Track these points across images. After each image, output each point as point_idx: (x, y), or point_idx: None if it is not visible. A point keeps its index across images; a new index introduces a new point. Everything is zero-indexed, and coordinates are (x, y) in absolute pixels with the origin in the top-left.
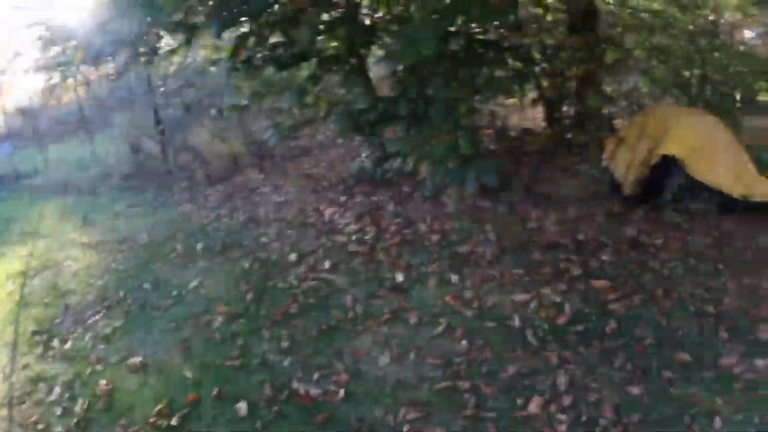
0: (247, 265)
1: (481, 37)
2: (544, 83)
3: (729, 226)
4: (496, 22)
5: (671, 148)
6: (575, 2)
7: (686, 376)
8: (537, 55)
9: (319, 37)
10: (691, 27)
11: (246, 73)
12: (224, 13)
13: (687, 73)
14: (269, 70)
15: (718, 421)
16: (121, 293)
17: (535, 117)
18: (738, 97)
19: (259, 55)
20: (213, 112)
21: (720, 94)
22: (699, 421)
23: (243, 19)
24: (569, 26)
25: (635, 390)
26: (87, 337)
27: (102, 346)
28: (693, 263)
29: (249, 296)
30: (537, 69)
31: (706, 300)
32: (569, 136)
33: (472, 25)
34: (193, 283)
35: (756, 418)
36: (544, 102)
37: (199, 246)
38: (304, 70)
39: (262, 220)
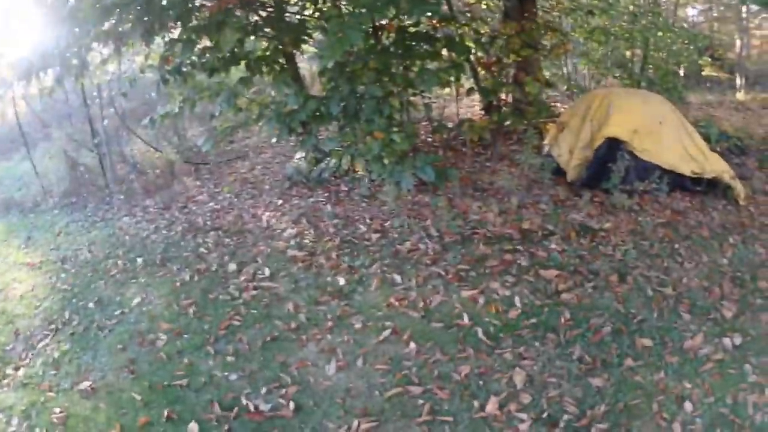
0: (187, 277)
1: (413, 29)
2: (480, 72)
3: (681, 204)
4: (428, 14)
5: (615, 131)
6: None
7: (650, 363)
8: (471, 44)
9: (250, 39)
10: (631, 7)
11: (177, 80)
12: (147, 19)
13: (629, 53)
14: (201, 76)
15: (688, 406)
16: (67, 314)
17: (474, 106)
18: (682, 73)
19: (188, 61)
20: (146, 121)
21: (663, 72)
22: (668, 408)
23: (171, 24)
24: (505, 13)
25: (597, 381)
26: (38, 363)
27: (53, 372)
28: (646, 245)
29: (191, 311)
30: (472, 58)
31: (664, 281)
32: (508, 123)
33: (404, 18)
34: (136, 300)
35: (728, 398)
36: (480, 91)
37: (140, 261)
38: (240, 73)
39: (200, 229)
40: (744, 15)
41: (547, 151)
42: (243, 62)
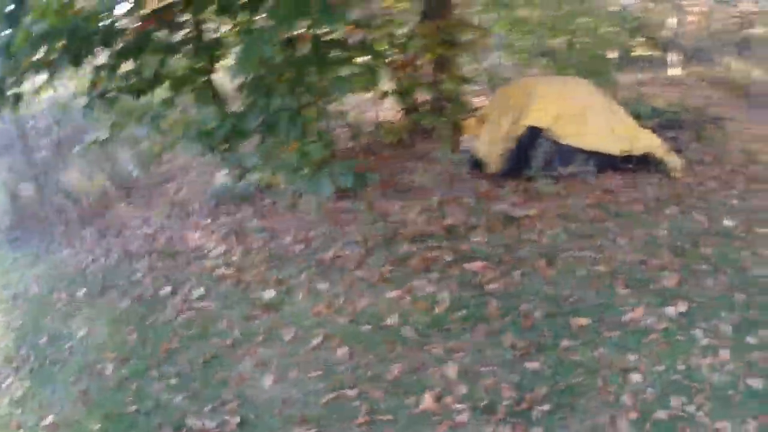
0: (126, 304)
1: (327, 38)
2: (397, 75)
3: (612, 183)
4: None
5: (535, 118)
6: None
7: (588, 340)
8: (385, 47)
9: (171, 59)
10: None
11: (104, 105)
12: (75, 46)
13: (553, 41)
14: (127, 99)
15: (636, 377)
16: (24, 352)
17: (394, 107)
18: (615, 56)
19: (113, 85)
20: (77, 148)
21: (591, 56)
22: (613, 381)
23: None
24: (423, 13)
25: (534, 365)
26: (5, 403)
27: (19, 411)
28: (576, 227)
29: (133, 337)
30: (386, 61)
31: (596, 260)
32: (426, 122)
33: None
34: (82, 332)
35: (680, 364)
36: (396, 93)
37: (81, 292)
38: (165, 94)
39: (135, 255)
40: None
41: (468, 145)
42: (166, 82)
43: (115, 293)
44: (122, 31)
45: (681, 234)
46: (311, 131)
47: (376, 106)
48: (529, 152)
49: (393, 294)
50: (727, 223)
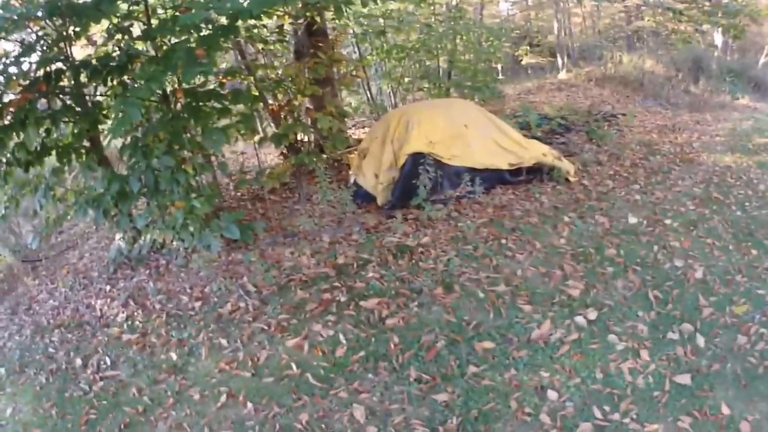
0: (43, 380)
1: (200, 89)
2: (274, 119)
3: (504, 198)
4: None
5: (417, 145)
6: (296, 27)
7: (496, 364)
8: (256, 93)
9: (56, 128)
10: (432, 18)
11: None
12: None
13: (433, 63)
14: (20, 172)
15: (552, 394)
16: None
17: (276, 150)
18: (499, 67)
19: (3, 159)
20: None
21: (472, 73)
22: (529, 402)
23: None
24: (296, 51)
25: (442, 396)
26: None
27: None
28: (470, 249)
29: (54, 412)
30: (261, 106)
31: (495, 280)
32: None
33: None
34: (8, 411)
35: (598, 373)
36: (271, 139)
37: (2, 371)
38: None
39: (46, 329)
40: None
41: (353, 180)
42: (54, 152)
43: (33, 369)
44: (7, 103)
45: (582, 239)
46: (193, 187)
47: (258, 151)
48: (415, 180)
49: (292, 342)
50: (632, 220)
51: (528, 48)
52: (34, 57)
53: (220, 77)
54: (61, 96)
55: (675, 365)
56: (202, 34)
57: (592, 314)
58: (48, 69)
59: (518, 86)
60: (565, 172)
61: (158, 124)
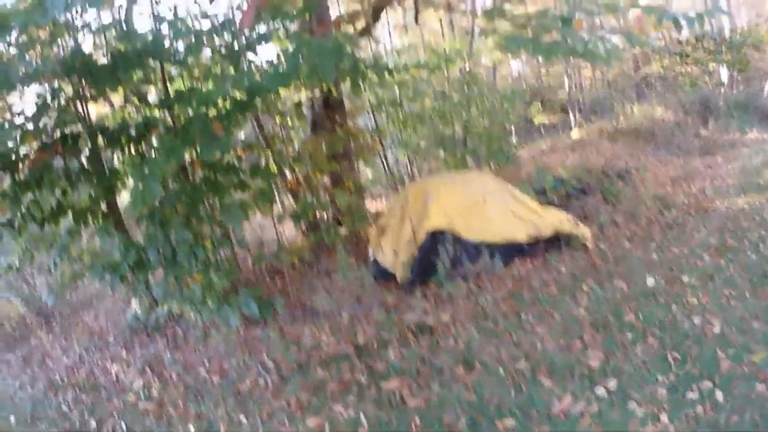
0: None
1: (219, 163)
2: (292, 194)
3: (522, 270)
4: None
5: (436, 222)
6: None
7: None
8: (275, 168)
9: (73, 189)
10: (446, 84)
11: (10, 233)
12: None
13: (449, 131)
14: (34, 228)
15: None
16: None
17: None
18: (512, 128)
19: (18, 214)
20: None
21: (487, 138)
22: None
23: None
24: (313, 123)
25: None
26: None
27: None
28: (490, 325)
29: None
30: (279, 182)
31: (515, 355)
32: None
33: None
34: None
35: None
36: (292, 216)
37: (12, 419)
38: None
39: (59, 386)
40: None
41: (372, 257)
42: (70, 213)
43: (45, 424)
44: (24, 157)
45: (601, 306)
46: (211, 261)
47: (277, 226)
48: (434, 256)
49: (312, 422)
50: (650, 281)
51: (540, 106)
52: (51, 113)
53: (238, 149)
54: (77, 159)
55: (695, 424)
56: (219, 106)
57: (612, 383)
58: (65, 131)
59: (532, 147)
60: (582, 238)
61: (176, 196)
